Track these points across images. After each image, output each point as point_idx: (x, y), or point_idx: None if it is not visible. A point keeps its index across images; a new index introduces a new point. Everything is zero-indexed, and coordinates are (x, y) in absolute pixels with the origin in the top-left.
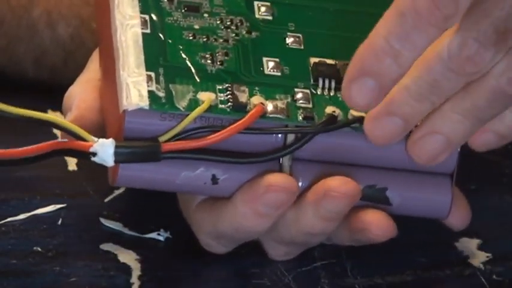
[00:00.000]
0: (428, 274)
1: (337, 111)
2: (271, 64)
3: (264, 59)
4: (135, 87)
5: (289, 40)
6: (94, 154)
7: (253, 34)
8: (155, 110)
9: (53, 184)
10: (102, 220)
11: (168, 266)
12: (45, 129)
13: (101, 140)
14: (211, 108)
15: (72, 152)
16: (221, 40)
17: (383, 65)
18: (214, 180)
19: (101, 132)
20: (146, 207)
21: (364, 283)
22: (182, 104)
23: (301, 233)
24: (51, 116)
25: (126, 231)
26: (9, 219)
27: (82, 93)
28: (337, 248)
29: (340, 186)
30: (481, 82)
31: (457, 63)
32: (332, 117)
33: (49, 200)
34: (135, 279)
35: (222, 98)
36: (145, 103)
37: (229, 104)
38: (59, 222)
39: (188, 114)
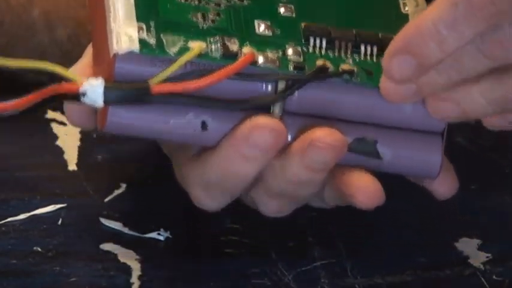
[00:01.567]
0: (428, 274)
1: (328, 64)
2: (262, 26)
3: (256, 22)
4: (126, 34)
5: (280, 9)
6: (84, 94)
7: (245, 2)
8: (145, 53)
9: (53, 184)
10: (102, 220)
11: (168, 266)
12: (45, 129)
13: (90, 79)
14: (202, 55)
15: (63, 96)
16: (213, 4)
17: (427, 47)
18: (204, 126)
19: None
20: (146, 207)
21: (364, 283)
22: (173, 50)
23: (288, 183)
24: (42, 62)
25: (126, 231)
26: (9, 219)
27: (81, 63)
28: (337, 248)
29: (325, 137)
30: None
31: (488, 44)
32: (323, 67)
33: (49, 200)
34: (135, 279)
35: (213, 47)
36: (135, 47)
37: (220, 52)
38: (59, 222)
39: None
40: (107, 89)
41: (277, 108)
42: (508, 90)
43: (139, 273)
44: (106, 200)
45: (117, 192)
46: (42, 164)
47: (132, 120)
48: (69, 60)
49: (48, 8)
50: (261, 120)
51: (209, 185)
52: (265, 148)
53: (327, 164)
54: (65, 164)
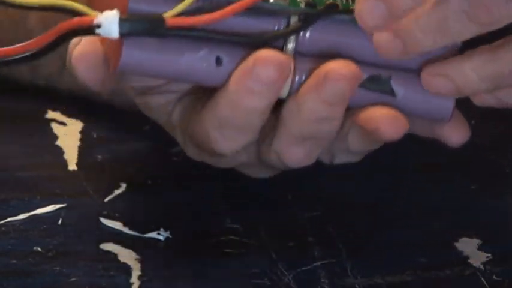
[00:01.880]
0: (428, 274)
1: (338, 3)
2: None
3: None
4: None
5: None
6: (98, 26)
7: None
8: None
9: (53, 184)
10: (102, 220)
11: (168, 266)
12: (45, 129)
13: (105, 11)
14: None
15: (79, 31)
16: None
17: None
18: (218, 61)
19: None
20: (146, 207)
21: (364, 283)
22: None
23: (308, 123)
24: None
25: (126, 231)
26: (9, 219)
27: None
28: (337, 248)
29: (340, 69)
30: (510, 49)
31: (474, 8)
32: (334, 4)
33: (49, 200)
34: (135, 279)
35: None
36: None
37: None
38: (59, 222)
39: None
40: (122, 21)
41: (290, 45)
42: (500, 66)
43: (139, 273)
44: (106, 200)
45: (117, 192)
46: (42, 164)
47: (146, 56)
48: (67, 70)
49: (45, 15)
50: (263, 53)
51: (222, 123)
52: (268, 82)
53: (344, 96)
54: (65, 164)
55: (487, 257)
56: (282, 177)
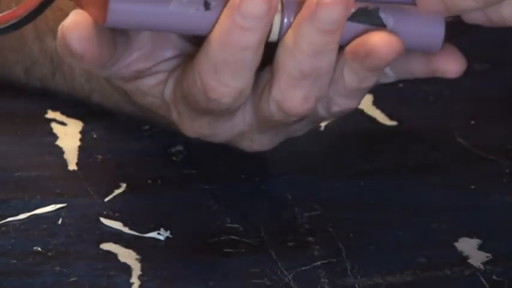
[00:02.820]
0: (428, 274)
1: None
2: None
3: None
4: None
5: None
6: None
7: None
8: None
9: (53, 184)
10: (102, 220)
11: (168, 266)
12: (45, 129)
13: None
14: None
15: None
16: None
17: None
18: (207, 5)
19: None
20: (146, 207)
21: (364, 283)
22: None
23: (304, 57)
24: None
25: (126, 231)
26: (9, 219)
27: None
28: (337, 248)
29: None
30: None
31: None
32: None
33: (49, 200)
34: (135, 279)
35: None
36: None
37: None
38: (59, 222)
39: None
40: None
41: None
42: None
43: (140, 273)
44: (106, 200)
45: (117, 192)
46: (42, 164)
47: (133, 7)
48: (60, 73)
49: (38, 19)
50: None
51: (217, 67)
52: (258, 16)
53: (338, 22)
54: (65, 164)
55: (487, 257)
56: (282, 177)
